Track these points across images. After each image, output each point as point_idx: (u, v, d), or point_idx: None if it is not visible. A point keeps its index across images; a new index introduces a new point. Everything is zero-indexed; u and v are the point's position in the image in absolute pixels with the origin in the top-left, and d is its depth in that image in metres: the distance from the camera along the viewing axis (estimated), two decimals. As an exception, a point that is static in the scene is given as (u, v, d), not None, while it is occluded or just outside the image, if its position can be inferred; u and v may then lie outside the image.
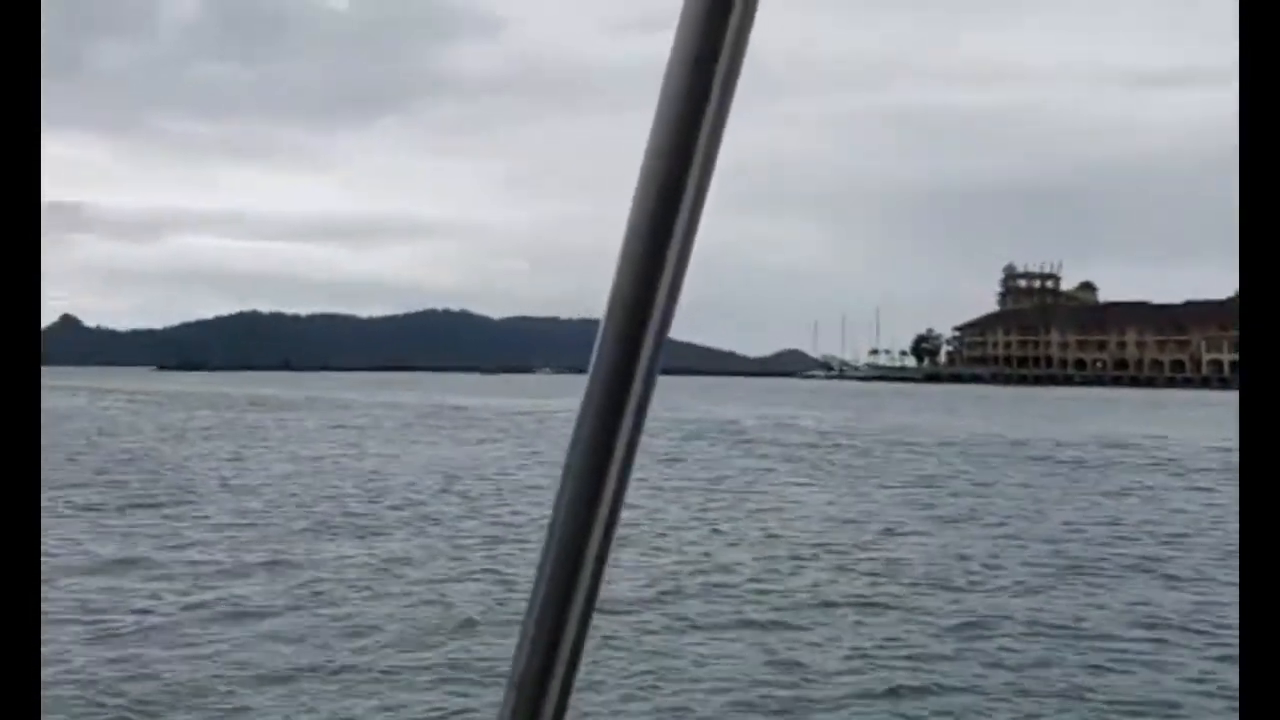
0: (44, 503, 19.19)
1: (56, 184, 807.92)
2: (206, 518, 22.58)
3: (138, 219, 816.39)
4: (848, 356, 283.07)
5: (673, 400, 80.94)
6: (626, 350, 0.80)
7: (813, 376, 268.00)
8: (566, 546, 0.82)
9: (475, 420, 61.82)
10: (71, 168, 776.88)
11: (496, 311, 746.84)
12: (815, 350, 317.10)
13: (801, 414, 69.90)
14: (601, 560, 0.83)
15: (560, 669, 0.84)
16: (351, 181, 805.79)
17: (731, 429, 54.78)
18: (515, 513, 24.03)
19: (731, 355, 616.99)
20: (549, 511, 0.82)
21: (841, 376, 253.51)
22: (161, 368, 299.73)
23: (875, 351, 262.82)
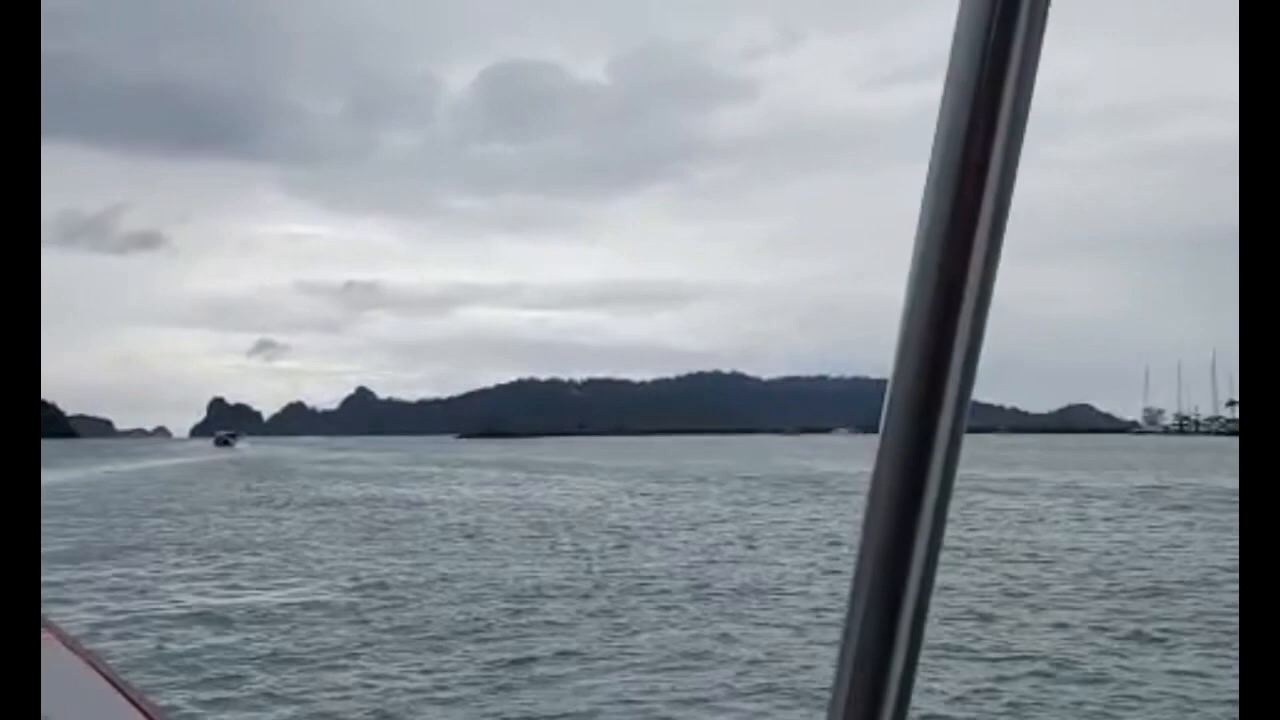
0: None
1: (354, 266, 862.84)
2: None
3: (425, 294, 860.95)
4: (1184, 410, 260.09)
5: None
6: (922, 410, 0.72)
7: (1146, 432, 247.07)
8: (867, 646, 0.74)
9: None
10: (367, 249, 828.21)
11: (765, 372, 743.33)
12: (1143, 403, 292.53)
13: None
14: (912, 660, 0.74)
15: None
16: (619, 249, 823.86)
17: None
18: None
19: (1014, 412, 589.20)
20: None
21: (1182, 432, 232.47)
22: (463, 435, 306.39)
23: (1233, 403, 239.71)
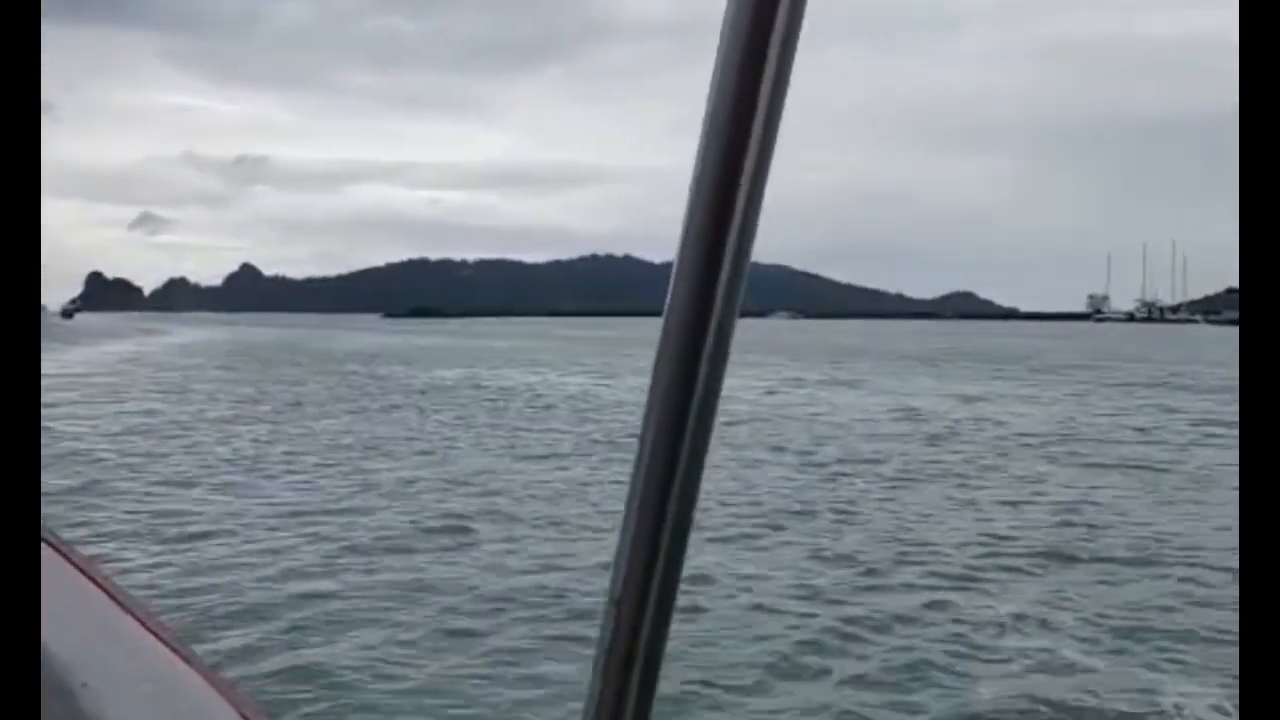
0: None
1: (242, 138, 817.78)
2: None
3: (316, 171, 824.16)
4: (1152, 297, 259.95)
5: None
6: (699, 298, 0.75)
7: (1106, 319, 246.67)
8: (650, 502, 0.78)
9: None
10: (255, 124, 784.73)
11: (658, 256, 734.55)
12: (1103, 289, 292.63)
13: None
14: (683, 523, 0.79)
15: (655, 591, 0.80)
16: (517, 130, 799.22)
17: None
18: None
19: (900, 297, 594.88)
20: None
21: (1149, 320, 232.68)
22: (388, 315, 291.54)
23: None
